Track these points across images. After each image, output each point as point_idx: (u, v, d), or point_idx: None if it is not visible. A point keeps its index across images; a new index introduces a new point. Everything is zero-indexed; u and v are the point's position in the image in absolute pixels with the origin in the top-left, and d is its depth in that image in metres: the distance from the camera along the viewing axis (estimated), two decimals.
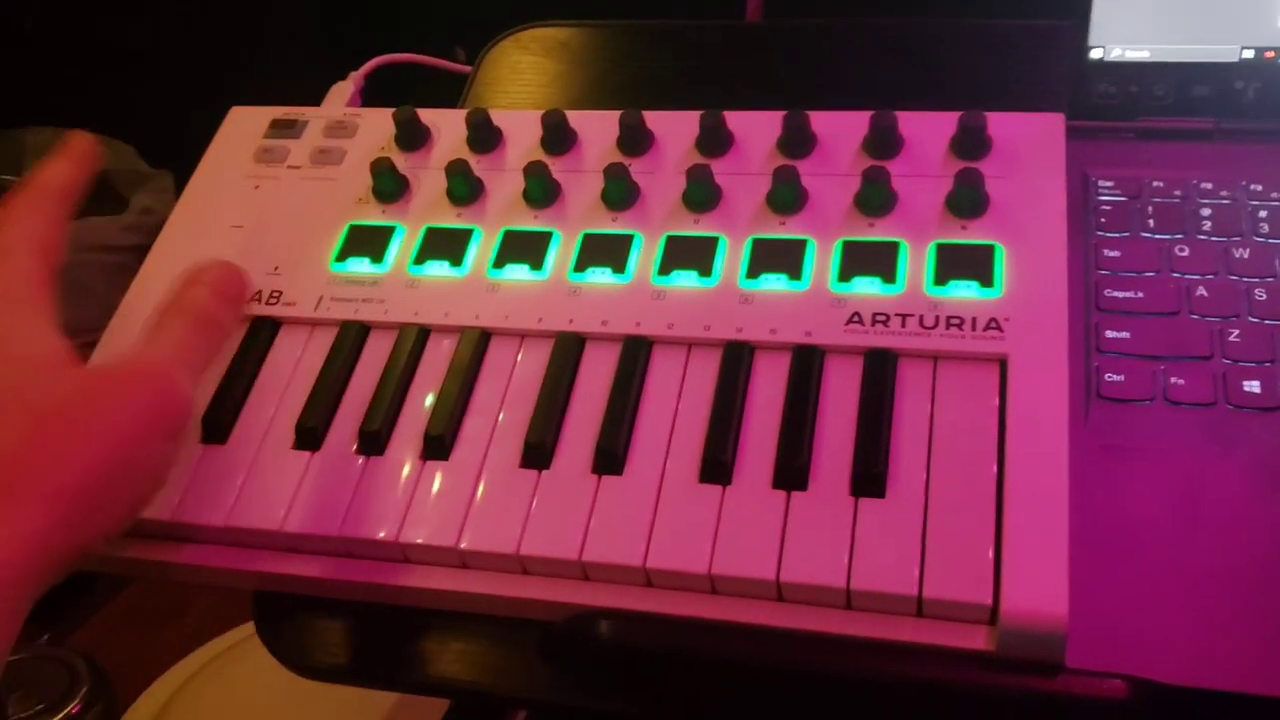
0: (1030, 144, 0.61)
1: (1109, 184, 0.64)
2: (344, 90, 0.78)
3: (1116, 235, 0.62)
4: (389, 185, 0.65)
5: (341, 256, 0.64)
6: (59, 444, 0.43)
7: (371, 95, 0.82)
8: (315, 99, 0.78)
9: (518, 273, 0.61)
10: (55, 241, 0.52)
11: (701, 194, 0.61)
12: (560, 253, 0.62)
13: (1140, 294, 0.59)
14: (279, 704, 0.96)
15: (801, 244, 0.59)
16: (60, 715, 0.98)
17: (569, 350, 0.58)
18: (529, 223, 0.63)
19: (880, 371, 0.54)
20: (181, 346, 0.50)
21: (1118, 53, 0.65)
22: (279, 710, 0.96)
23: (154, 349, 0.50)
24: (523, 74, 0.82)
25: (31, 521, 0.41)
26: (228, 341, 0.58)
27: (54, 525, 0.42)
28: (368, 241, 0.64)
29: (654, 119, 0.65)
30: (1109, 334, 0.58)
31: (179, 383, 0.48)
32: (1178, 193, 0.63)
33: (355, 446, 0.57)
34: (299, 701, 0.93)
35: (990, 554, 0.48)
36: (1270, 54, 0.64)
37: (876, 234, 0.59)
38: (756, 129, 0.64)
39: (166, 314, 0.51)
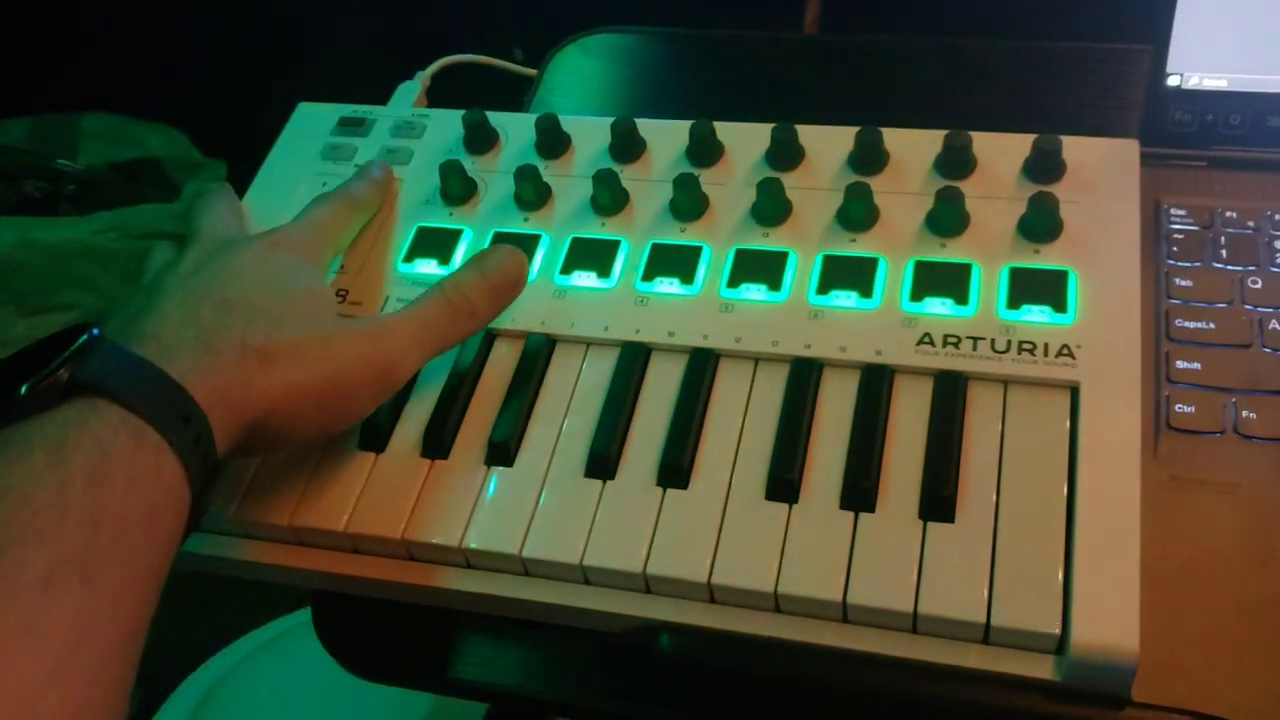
0: (1104, 169, 0.60)
1: (1181, 212, 0.63)
2: (410, 90, 0.78)
3: (1188, 264, 0.61)
4: (457, 188, 0.65)
5: (409, 257, 0.64)
6: (306, 356, 0.51)
7: (431, 94, 0.83)
8: (365, 93, 0.78)
9: (585, 280, 0.61)
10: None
11: (772, 207, 0.61)
12: (628, 262, 0.61)
13: (1212, 325, 0.59)
14: (318, 699, 0.97)
15: (873, 262, 0.59)
16: None
17: (634, 360, 0.58)
18: (597, 230, 0.63)
19: (951, 394, 0.54)
20: (429, 329, 0.55)
21: (1195, 81, 0.65)
22: (318, 706, 0.97)
23: (407, 321, 0.55)
24: (588, 79, 0.82)
25: (271, 393, 0.50)
26: None
27: (281, 403, 0.50)
28: (435, 243, 0.64)
29: (724, 130, 0.65)
30: (1180, 364, 0.57)
31: (406, 360, 0.54)
32: (1251, 223, 0.62)
33: (420, 450, 0.57)
34: (338, 697, 0.93)
35: (1060, 582, 0.48)
36: None
37: (949, 255, 0.58)
38: (828, 143, 0.64)
39: (436, 291, 0.56)
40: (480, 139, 0.68)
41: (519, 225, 0.64)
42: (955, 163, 0.61)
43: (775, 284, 0.59)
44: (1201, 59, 0.64)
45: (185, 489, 0.46)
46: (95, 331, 0.47)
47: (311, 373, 0.51)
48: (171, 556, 0.46)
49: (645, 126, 0.66)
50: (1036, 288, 0.56)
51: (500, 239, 0.63)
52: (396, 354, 0.54)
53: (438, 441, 0.57)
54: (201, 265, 0.54)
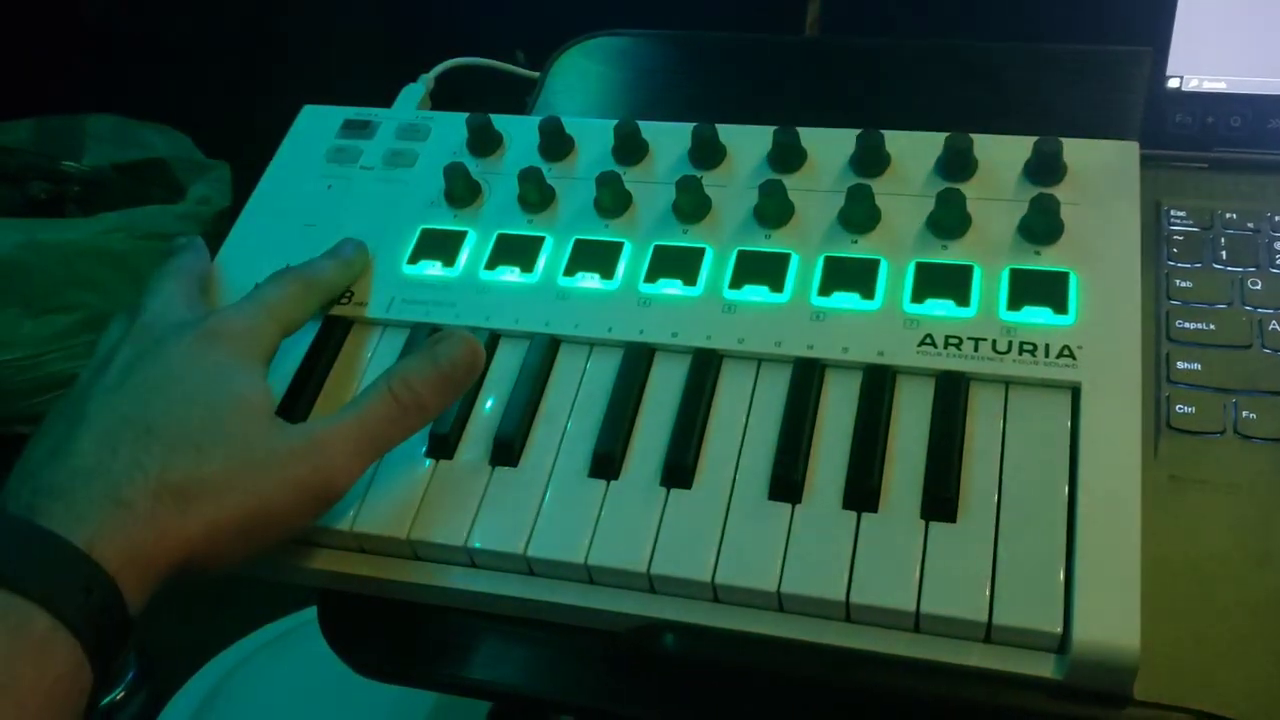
0: (1105, 171, 0.61)
1: (1182, 214, 0.64)
2: (415, 92, 0.78)
3: (1188, 266, 0.62)
4: (462, 190, 0.66)
5: (413, 259, 0.64)
6: (230, 490, 0.49)
7: (435, 98, 0.83)
8: (369, 96, 0.78)
9: (588, 281, 0.61)
10: (295, 319, 0.59)
11: (774, 209, 0.62)
12: (631, 263, 0.62)
13: (1212, 326, 0.59)
14: (324, 696, 0.97)
15: (874, 263, 0.59)
16: (106, 700, 0.99)
17: (638, 361, 0.58)
18: (600, 232, 0.63)
19: (952, 395, 0.54)
20: (370, 434, 0.53)
21: (1195, 83, 0.65)
22: (322, 704, 0.97)
23: (347, 427, 0.52)
24: (590, 82, 0.82)
25: (189, 538, 0.48)
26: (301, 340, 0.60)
27: (201, 545, 0.48)
28: (440, 245, 0.64)
29: (726, 133, 0.66)
30: (1180, 365, 0.58)
31: (343, 475, 0.52)
32: (1251, 225, 0.63)
33: (425, 449, 0.57)
34: (344, 695, 0.94)
35: (1061, 582, 0.48)
36: None
37: (950, 256, 0.59)
38: (830, 146, 0.64)
39: (382, 386, 0.54)
40: (484, 141, 0.69)
41: (522, 227, 0.65)
42: (956, 165, 0.62)
43: (777, 285, 0.59)
44: (1202, 61, 0.65)
45: (82, 669, 0.44)
46: None
47: (234, 509, 0.49)
48: None
49: (648, 129, 0.67)
50: (1037, 289, 0.57)
51: (505, 240, 0.64)
52: (332, 471, 0.51)
53: (443, 442, 0.57)
54: (128, 374, 0.52)
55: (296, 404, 0.59)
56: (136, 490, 0.47)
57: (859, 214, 0.60)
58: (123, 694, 0.99)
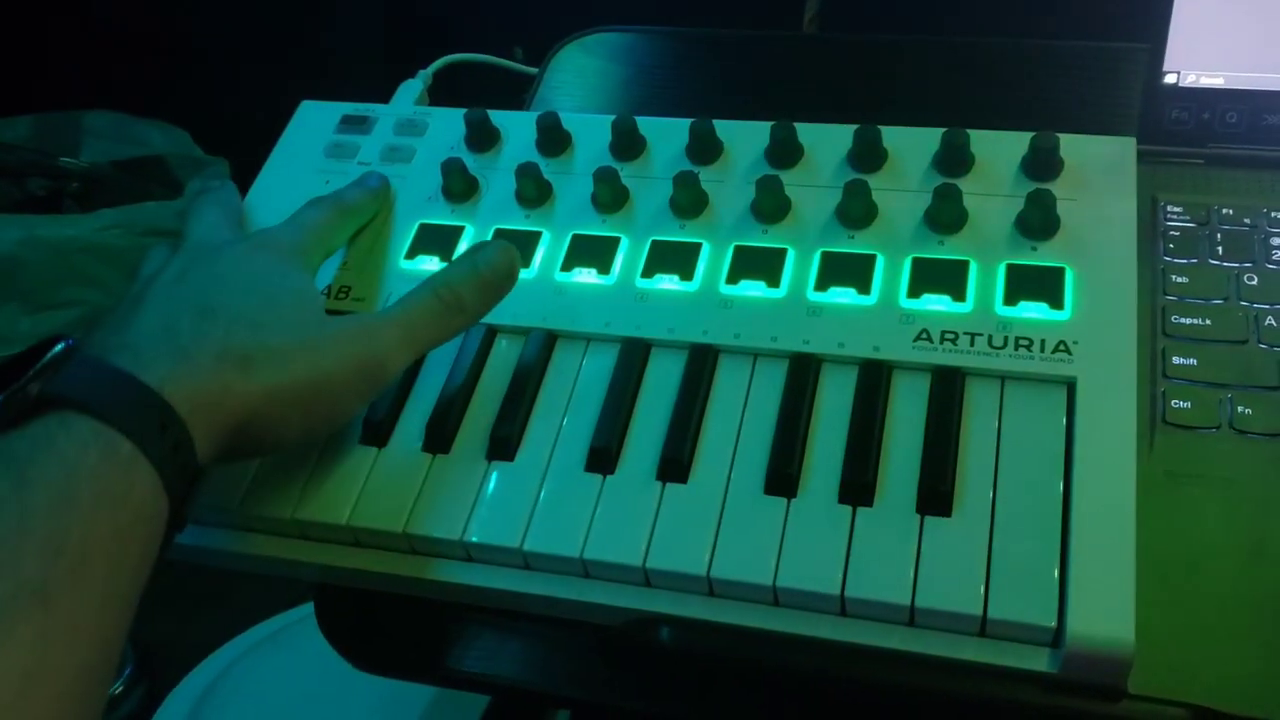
0: (1101, 167, 0.61)
1: (1178, 209, 0.64)
2: (413, 88, 0.79)
3: (1184, 261, 0.62)
4: (459, 185, 0.66)
5: (411, 254, 0.64)
6: (290, 360, 0.51)
7: (432, 92, 0.83)
8: (367, 91, 0.78)
9: (585, 276, 0.62)
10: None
11: (771, 205, 0.62)
12: (628, 258, 0.62)
13: (1208, 321, 0.59)
14: (321, 692, 0.97)
15: (871, 258, 0.59)
16: None
17: (635, 356, 0.58)
18: (597, 227, 0.64)
19: (948, 390, 0.54)
20: (417, 327, 0.55)
21: (1192, 79, 0.65)
22: (321, 699, 0.97)
23: (395, 319, 0.55)
24: (588, 78, 0.82)
25: (252, 396, 0.50)
26: None
27: (262, 406, 0.50)
28: (437, 240, 0.64)
29: (724, 128, 0.66)
30: (1176, 360, 0.58)
31: (393, 360, 0.54)
32: (1247, 220, 0.63)
33: (421, 444, 0.57)
34: (342, 689, 0.94)
35: (1056, 576, 0.48)
36: None
37: (946, 251, 0.59)
38: (827, 141, 0.64)
39: (426, 287, 0.56)
40: (482, 137, 0.69)
41: (520, 222, 0.65)
42: (953, 160, 0.62)
43: (774, 280, 0.59)
44: (1198, 57, 0.65)
45: (161, 499, 0.46)
46: (69, 342, 0.48)
47: (295, 377, 0.51)
48: (145, 575, 0.45)
49: (645, 124, 0.67)
50: (1033, 284, 0.57)
51: (501, 236, 0.64)
52: (383, 354, 0.53)
53: (439, 436, 0.57)
54: (185, 272, 0.53)
55: None
56: (201, 350, 0.49)
57: (856, 209, 0.61)
58: (120, 689, 0.99)
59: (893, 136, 0.63)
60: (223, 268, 0.54)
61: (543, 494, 0.55)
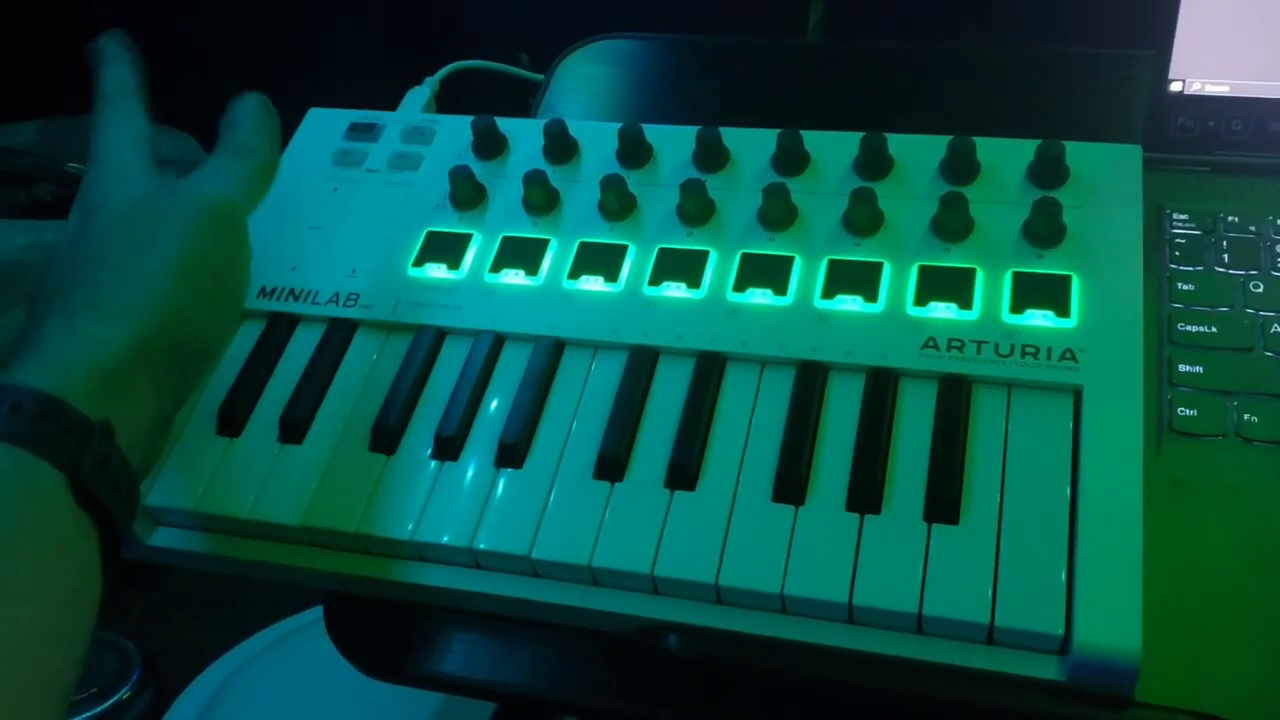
0: (1107, 174, 0.61)
1: (1184, 217, 0.64)
2: (420, 95, 0.79)
3: (1190, 269, 0.62)
4: (467, 193, 0.66)
5: (419, 262, 0.64)
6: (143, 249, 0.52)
7: (440, 101, 0.83)
8: (374, 99, 0.78)
9: (592, 284, 0.62)
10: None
11: (777, 212, 0.62)
12: (635, 266, 0.62)
13: (1214, 328, 0.59)
14: (328, 697, 0.97)
15: (878, 266, 0.59)
16: (111, 701, 0.99)
17: (643, 363, 0.59)
18: (605, 235, 0.64)
19: (955, 397, 0.54)
20: (228, 171, 0.59)
21: (1197, 86, 0.65)
22: (328, 705, 0.97)
23: (202, 172, 0.58)
24: (595, 85, 0.82)
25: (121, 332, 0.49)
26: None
27: (140, 336, 0.49)
28: (445, 248, 0.65)
29: (730, 136, 0.66)
30: (1182, 368, 0.58)
31: (231, 199, 0.56)
32: (1253, 228, 0.63)
33: (430, 451, 0.58)
34: (349, 696, 0.94)
35: (1063, 584, 0.48)
36: None
37: (952, 259, 0.59)
38: (833, 149, 0.65)
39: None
40: (489, 144, 0.69)
41: (527, 230, 0.65)
42: (959, 168, 0.62)
43: (781, 288, 0.59)
44: (1204, 65, 0.65)
45: (43, 477, 0.44)
46: None
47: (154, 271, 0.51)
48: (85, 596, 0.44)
49: (652, 132, 0.67)
50: (1039, 292, 0.57)
51: (509, 243, 0.64)
52: (221, 199, 0.56)
53: (448, 445, 0.57)
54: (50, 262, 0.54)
55: (303, 405, 0.60)
56: (52, 322, 0.48)
57: (862, 217, 0.61)
58: (128, 693, 1.00)
59: (899, 144, 0.64)
60: (88, 243, 0.53)
61: (551, 501, 0.55)
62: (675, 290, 0.61)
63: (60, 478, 0.44)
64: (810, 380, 0.56)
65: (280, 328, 0.63)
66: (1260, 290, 0.60)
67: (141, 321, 0.49)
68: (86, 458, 0.45)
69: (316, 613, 0.61)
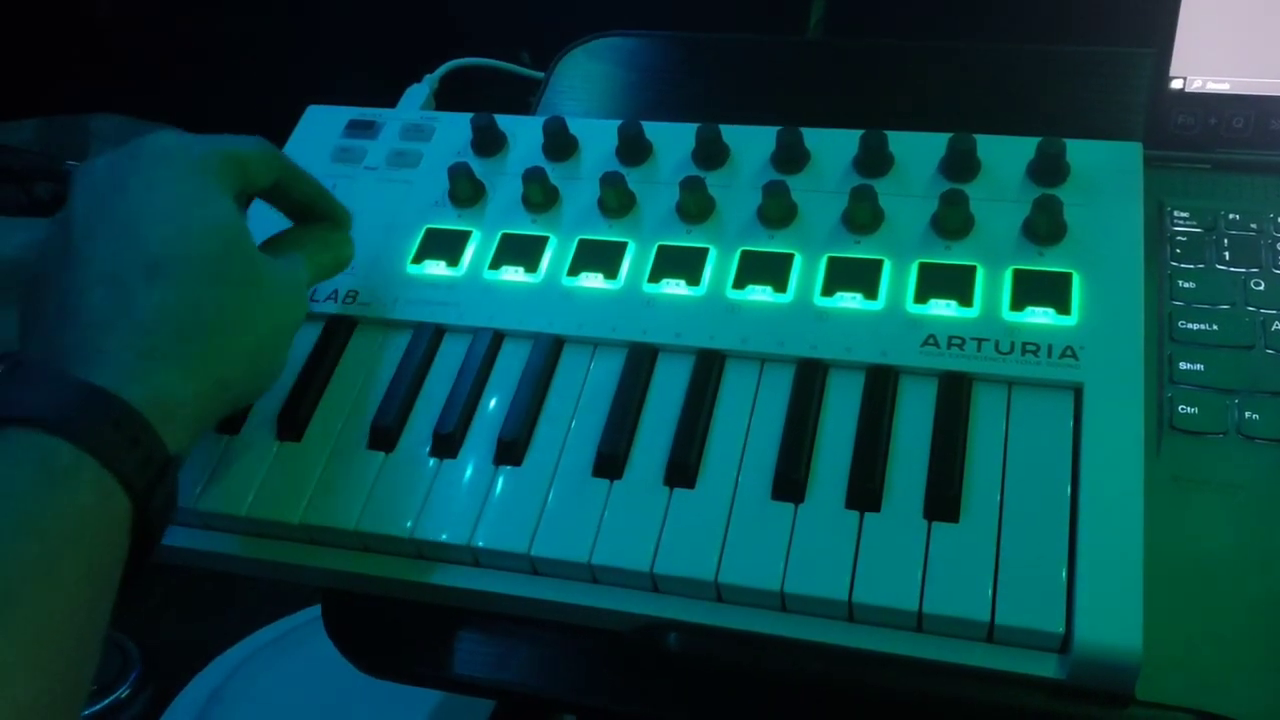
0: (1108, 172, 0.61)
1: (1184, 215, 0.64)
2: (419, 93, 0.79)
3: (1191, 266, 0.62)
4: (466, 190, 0.66)
5: (418, 259, 0.64)
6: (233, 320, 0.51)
7: (439, 97, 0.83)
8: (374, 96, 0.78)
9: (592, 281, 0.62)
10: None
11: (777, 210, 0.62)
12: (635, 263, 0.62)
13: (1215, 326, 0.59)
14: (328, 695, 0.97)
15: (878, 264, 0.59)
16: (111, 698, 0.99)
17: (642, 361, 0.58)
18: (604, 232, 0.64)
19: (955, 395, 0.54)
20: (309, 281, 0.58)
21: (1198, 84, 0.65)
22: (327, 702, 0.98)
23: (303, 275, 0.57)
24: (594, 83, 0.82)
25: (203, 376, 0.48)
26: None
27: (227, 380, 0.50)
28: (444, 245, 0.64)
29: (730, 133, 0.66)
30: (1183, 365, 0.58)
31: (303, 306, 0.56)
32: (1254, 226, 0.63)
33: (429, 448, 0.57)
34: (348, 693, 0.94)
35: (1063, 581, 0.48)
36: None
37: (953, 257, 0.59)
38: (833, 147, 0.65)
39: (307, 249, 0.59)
40: (488, 141, 0.69)
41: (527, 227, 0.65)
42: (959, 165, 0.62)
43: (781, 285, 0.59)
44: (1205, 62, 0.65)
45: (113, 495, 0.43)
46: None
47: (249, 336, 0.52)
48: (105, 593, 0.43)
49: (652, 129, 0.67)
50: (1040, 289, 0.57)
51: (509, 240, 0.64)
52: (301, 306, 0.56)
53: (447, 441, 0.57)
54: (93, 229, 0.50)
55: (302, 403, 0.59)
56: (143, 328, 0.47)
57: (862, 214, 0.61)
58: (128, 691, 1.00)
59: (899, 141, 0.63)
60: (131, 206, 0.50)
61: (550, 499, 0.55)
62: (675, 287, 0.61)
63: (129, 506, 0.44)
64: (810, 378, 0.56)
65: None
66: (1261, 288, 0.60)
67: (215, 379, 0.49)
68: (159, 491, 0.45)
69: (315, 611, 0.61)
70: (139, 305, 0.47)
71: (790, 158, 0.64)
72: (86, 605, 0.42)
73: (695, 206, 0.63)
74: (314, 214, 0.61)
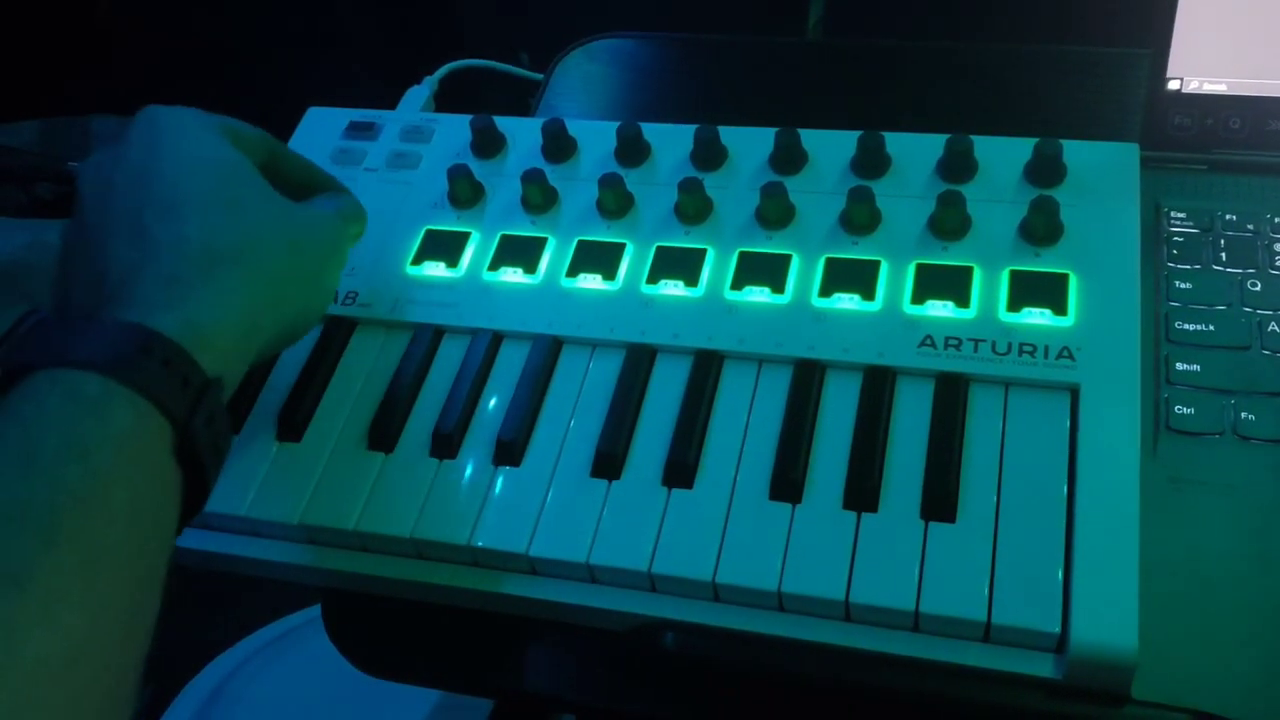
0: (1105, 173, 0.61)
1: (1181, 215, 0.64)
2: (419, 94, 0.79)
3: (1188, 267, 0.62)
4: (465, 192, 0.66)
5: (417, 260, 0.64)
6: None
7: (438, 98, 0.83)
8: (373, 98, 0.78)
9: (590, 282, 0.62)
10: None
11: (775, 211, 0.62)
12: (633, 264, 0.62)
13: (1211, 327, 0.59)
14: (328, 695, 0.98)
15: (875, 265, 0.59)
16: None
17: (640, 361, 0.59)
18: (602, 233, 0.64)
19: (952, 396, 0.54)
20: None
21: (1195, 85, 0.65)
22: (326, 702, 0.98)
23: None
24: (594, 84, 0.82)
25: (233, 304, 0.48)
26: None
27: (259, 305, 0.49)
28: (443, 246, 0.65)
29: (728, 134, 0.66)
30: (1179, 366, 0.58)
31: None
32: (1250, 227, 0.63)
33: (428, 449, 0.58)
34: (347, 693, 0.94)
35: (1060, 581, 0.49)
36: None
37: (950, 258, 0.59)
38: (831, 148, 0.65)
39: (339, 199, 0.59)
40: (487, 143, 0.69)
41: (526, 228, 0.65)
42: (957, 166, 0.62)
43: (778, 286, 0.59)
44: (1201, 63, 0.65)
45: (149, 416, 0.42)
46: (39, 313, 0.47)
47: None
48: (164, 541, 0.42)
49: (650, 131, 0.67)
50: (1037, 290, 0.57)
51: (508, 241, 0.64)
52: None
53: (446, 442, 0.57)
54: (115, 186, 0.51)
55: (301, 404, 0.60)
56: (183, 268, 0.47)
57: (860, 215, 0.61)
58: None
59: (896, 143, 0.64)
60: (135, 166, 0.51)
61: (549, 499, 0.55)
62: (673, 288, 0.61)
63: (167, 428, 0.43)
64: (807, 378, 0.56)
65: None
66: (1258, 289, 0.60)
67: (246, 306, 0.49)
68: (200, 413, 0.44)
69: (315, 611, 0.61)
70: (159, 242, 0.47)
71: (788, 159, 0.64)
72: (137, 536, 0.41)
73: (693, 208, 0.63)
74: (313, 190, 0.60)
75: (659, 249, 0.62)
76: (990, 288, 0.58)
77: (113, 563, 0.39)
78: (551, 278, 0.63)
